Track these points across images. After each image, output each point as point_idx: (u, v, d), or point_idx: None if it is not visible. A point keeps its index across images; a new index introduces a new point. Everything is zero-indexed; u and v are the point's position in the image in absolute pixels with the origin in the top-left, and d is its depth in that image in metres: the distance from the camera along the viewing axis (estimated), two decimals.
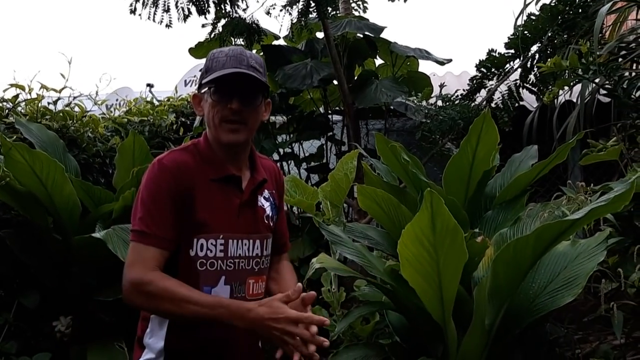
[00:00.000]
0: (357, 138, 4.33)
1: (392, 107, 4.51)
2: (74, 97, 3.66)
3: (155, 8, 3.93)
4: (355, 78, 4.78)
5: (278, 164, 4.81)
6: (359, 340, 2.55)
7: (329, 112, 5.05)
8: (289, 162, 4.94)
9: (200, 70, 1.65)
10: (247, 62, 1.50)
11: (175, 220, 1.45)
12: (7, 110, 3.27)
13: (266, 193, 1.64)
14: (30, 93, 3.38)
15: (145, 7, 3.93)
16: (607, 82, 3.20)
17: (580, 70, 3.03)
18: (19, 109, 3.35)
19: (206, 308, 1.33)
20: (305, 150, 5.10)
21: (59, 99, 3.53)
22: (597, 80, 3.27)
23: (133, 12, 3.96)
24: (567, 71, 3.06)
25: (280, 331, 1.29)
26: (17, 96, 3.33)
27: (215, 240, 1.48)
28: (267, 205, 1.63)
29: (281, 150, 4.82)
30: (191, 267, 1.47)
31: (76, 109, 3.59)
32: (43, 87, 3.39)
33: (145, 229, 1.43)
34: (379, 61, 5.10)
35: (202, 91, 1.55)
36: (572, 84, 3.35)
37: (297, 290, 1.35)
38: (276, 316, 1.28)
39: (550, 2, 3.80)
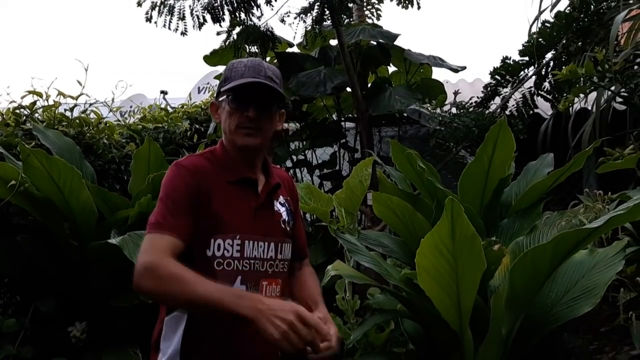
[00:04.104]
0: (370, 145, 4.33)
1: (405, 114, 4.51)
2: (90, 104, 3.69)
3: (171, 16, 3.96)
4: (369, 85, 4.78)
5: (291, 171, 4.82)
6: (373, 349, 2.54)
7: (342, 119, 5.05)
8: (302, 169, 4.94)
9: (214, 78, 1.67)
10: (265, 72, 1.55)
11: (191, 215, 1.46)
12: (24, 117, 3.30)
13: (281, 199, 1.67)
14: (47, 100, 3.42)
15: (161, 15, 3.96)
16: (623, 89, 3.18)
17: (595, 77, 3.02)
18: (36, 115, 3.38)
19: (213, 288, 1.28)
20: (318, 157, 5.10)
21: (75, 105, 3.56)
22: (612, 88, 3.26)
23: (149, 20, 3.99)
24: (582, 79, 3.05)
25: (286, 321, 1.19)
26: (34, 103, 3.37)
27: (232, 241, 1.50)
28: (283, 210, 1.66)
29: (294, 157, 4.82)
30: (209, 267, 1.47)
31: (92, 115, 3.62)
32: (60, 94, 3.43)
33: (161, 220, 1.44)
34: (392, 68, 5.10)
35: (220, 99, 1.59)
36: (587, 91, 3.34)
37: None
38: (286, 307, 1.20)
39: (565, 9, 3.79)
